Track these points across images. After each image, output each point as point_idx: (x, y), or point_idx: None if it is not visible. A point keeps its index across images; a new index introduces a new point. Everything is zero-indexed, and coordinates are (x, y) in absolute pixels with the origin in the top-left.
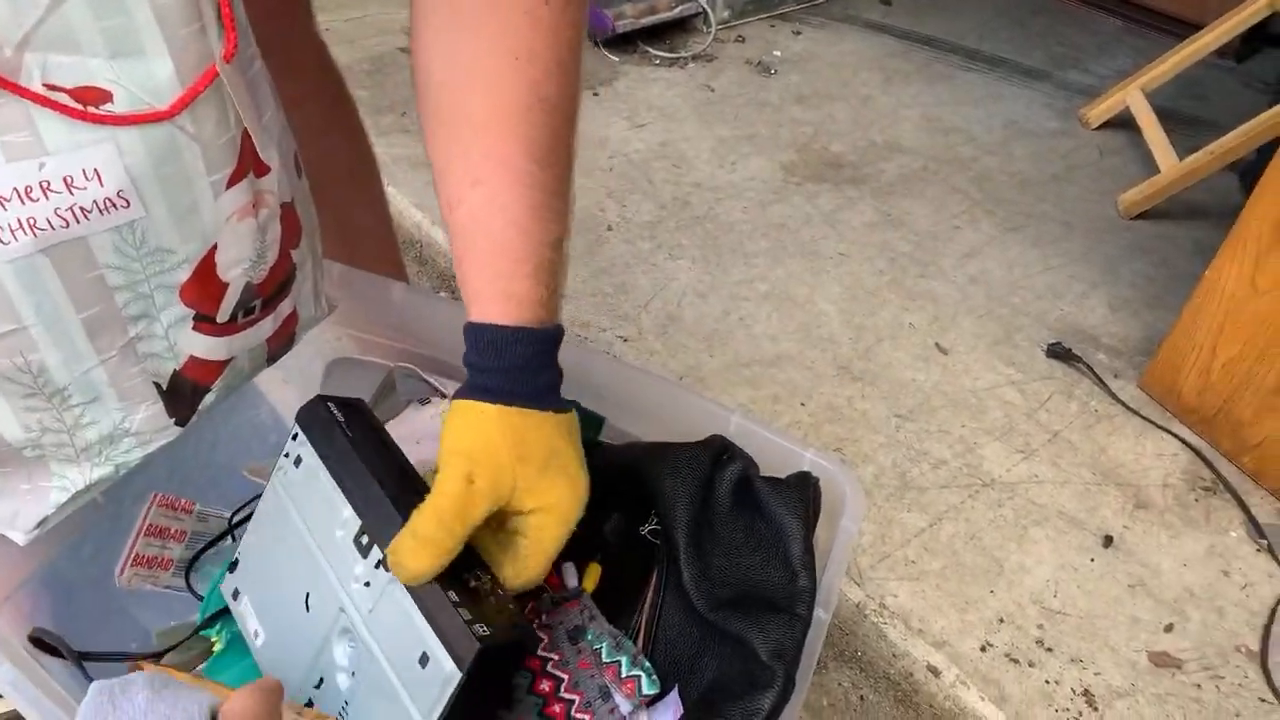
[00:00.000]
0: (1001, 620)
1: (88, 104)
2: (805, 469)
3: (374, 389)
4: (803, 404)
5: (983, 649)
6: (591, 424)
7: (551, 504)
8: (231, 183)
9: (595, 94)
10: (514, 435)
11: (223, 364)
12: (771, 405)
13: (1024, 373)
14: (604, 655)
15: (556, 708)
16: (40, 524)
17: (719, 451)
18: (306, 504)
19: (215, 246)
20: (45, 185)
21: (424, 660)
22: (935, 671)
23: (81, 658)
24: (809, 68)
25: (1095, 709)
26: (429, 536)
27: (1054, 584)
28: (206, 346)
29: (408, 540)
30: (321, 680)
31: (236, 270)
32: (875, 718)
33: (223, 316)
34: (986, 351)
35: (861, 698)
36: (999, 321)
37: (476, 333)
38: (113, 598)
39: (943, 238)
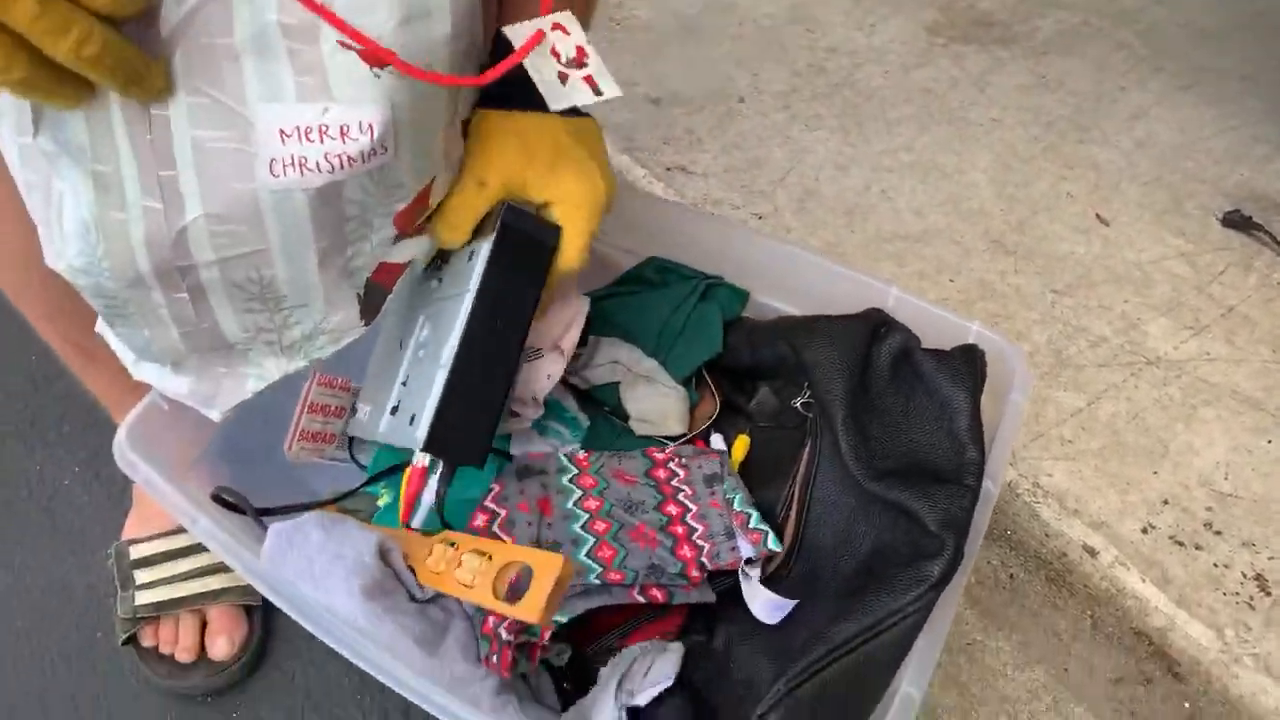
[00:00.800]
0: (1166, 502)
1: (376, 62)
2: (970, 342)
3: None
4: (951, 280)
5: (1144, 531)
6: (735, 299)
7: (564, 195)
8: (453, 119)
9: None
10: (519, 136)
11: (404, 266)
12: (918, 282)
13: (1195, 243)
14: (735, 505)
15: (679, 529)
16: (235, 406)
17: (877, 324)
18: (402, 298)
19: (434, 178)
20: (324, 129)
21: (471, 256)
22: (1092, 552)
23: (259, 513)
24: None
25: (1268, 594)
26: (451, 226)
27: (1225, 466)
28: (396, 253)
29: (437, 227)
30: (407, 378)
31: (439, 195)
32: (1026, 596)
33: (411, 229)
34: (1153, 221)
35: (1011, 576)
36: (1168, 189)
37: (497, 40)
38: (285, 467)
39: (1105, 99)
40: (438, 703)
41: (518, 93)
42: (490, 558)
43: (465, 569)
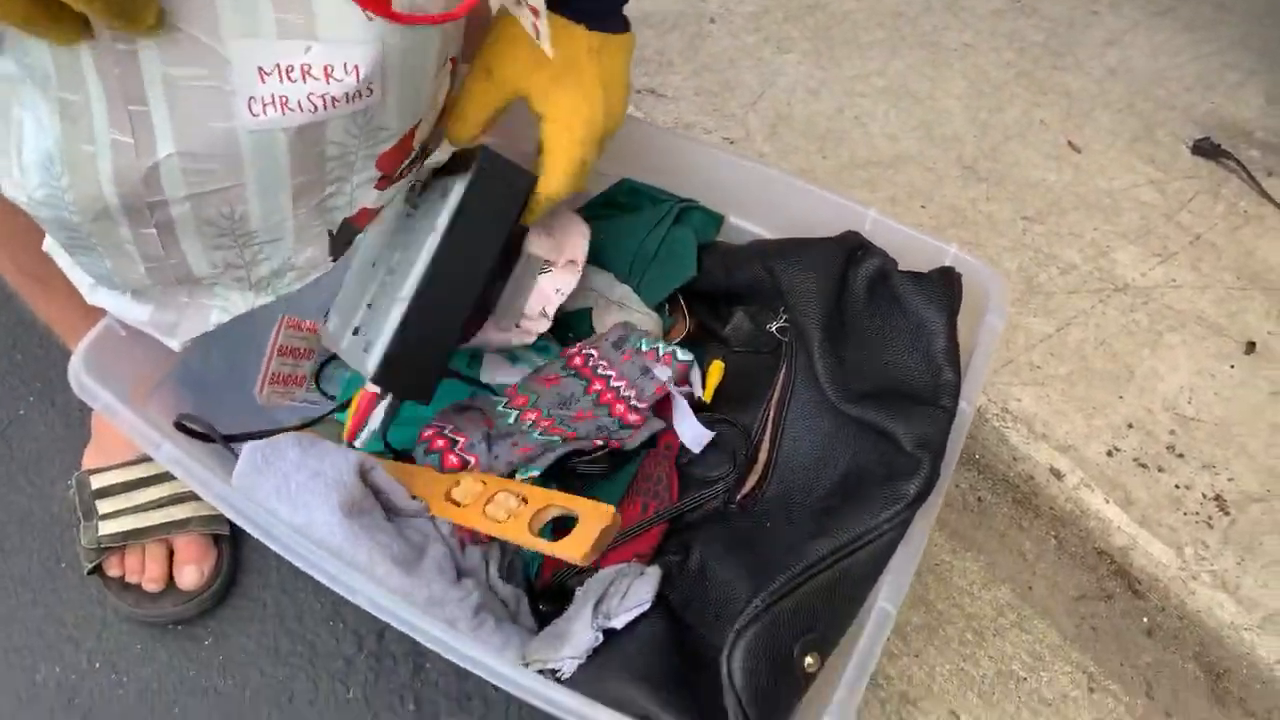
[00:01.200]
0: (1130, 426)
1: (373, 7)
2: (947, 264)
3: None
4: (923, 206)
5: (1109, 454)
6: (710, 222)
7: (557, 113)
8: (446, 64)
9: None
10: (531, 42)
11: (379, 209)
12: (890, 208)
13: (1165, 171)
14: (643, 347)
15: (608, 395)
16: (196, 336)
17: (854, 247)
18: (387, 218)
19: (420, 121)
20: (306, 69)
21: (445, 193)
22: (1058, 474)
23: (226, 439)
24: None
25: (1227, 514)
26: (460, 118)
27: (1188, 390)
28: (376, 198)
29: (450, 123)
30: (372, 301)
31: (423, 136)
32: (993, 518)
33: (395, 172)
34: (1124, 149)
35: (979, 499)
36: (1140, 116)
37: None
38: (249, 396)
39: (1079, 25)
40: (412, 623)
41: (564, 3)
42: (525, 500)
43: (499, 506)
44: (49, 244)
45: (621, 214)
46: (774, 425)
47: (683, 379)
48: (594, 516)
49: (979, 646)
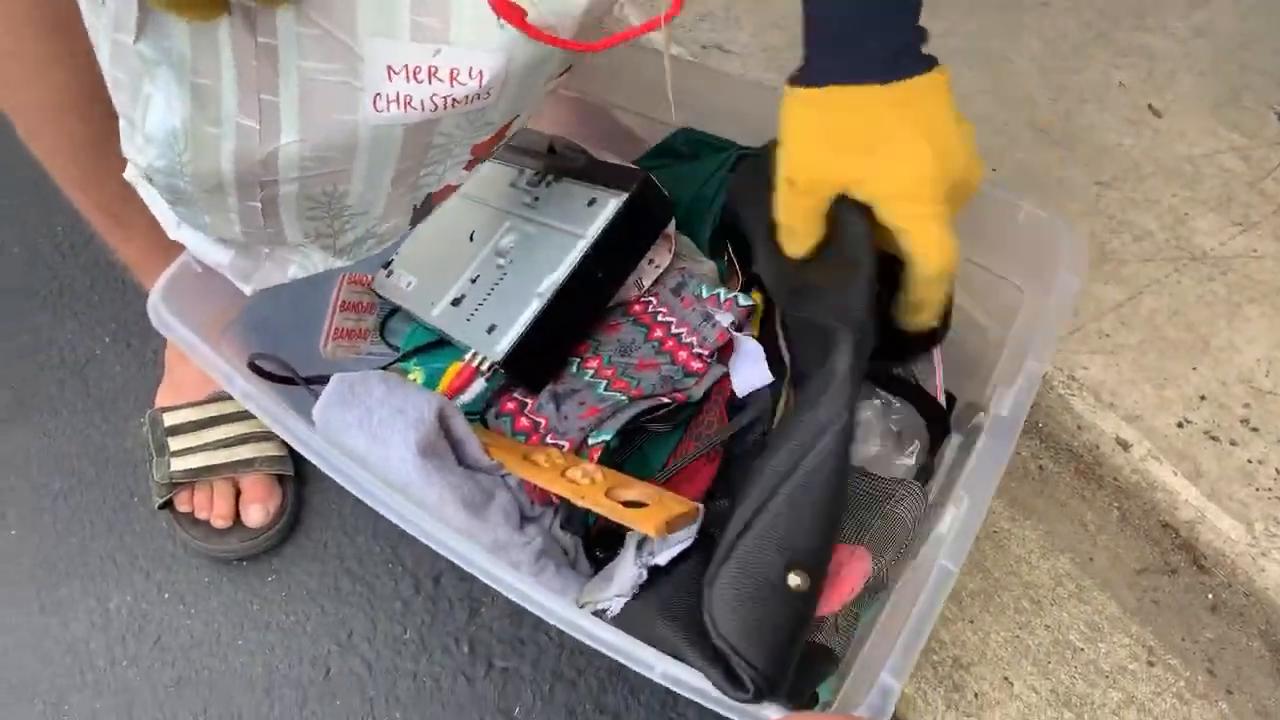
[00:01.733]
0: (1203, 398)
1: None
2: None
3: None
4: (994, 169)
5: (1179, 425)
6: None
7: (890, 190)
8: (560, 74)
9: None
10: (825, 123)
11: (459, 185)
12: None
13: (1250, 137)
14: (704, 293)
15: (670, 343)
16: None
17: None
18: (476, 187)
19: (517, 115)
20: (432, 71)
21: (591, 202)
22: (1124, 445)
23: (307, 381)
24: None
25: None
26: (789, 235)
27: (1266, 363)
28: (461, 177)
29: (781, 237)
30: (477, 276)
31: (516, 127)
32: (1054, 487)
33: (484, 156)
34: (1208, 114)
35: (1040, 467)
36: (1225, 80)
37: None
38: (315, 342)
39: None
40: (478, 563)
41: (817, 58)
42: (604, 477)
43: (580, 472)
44: (131, 174)
45: (680, 163)
46: (787, 345)
47: (743, 325)
48: (674, 503)
49: (1036, 615)
